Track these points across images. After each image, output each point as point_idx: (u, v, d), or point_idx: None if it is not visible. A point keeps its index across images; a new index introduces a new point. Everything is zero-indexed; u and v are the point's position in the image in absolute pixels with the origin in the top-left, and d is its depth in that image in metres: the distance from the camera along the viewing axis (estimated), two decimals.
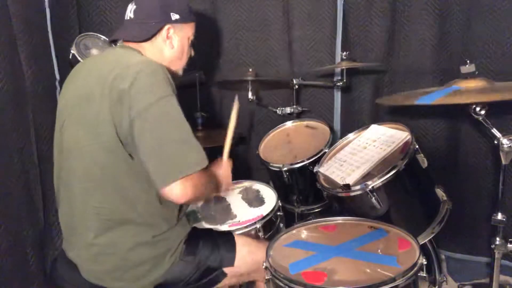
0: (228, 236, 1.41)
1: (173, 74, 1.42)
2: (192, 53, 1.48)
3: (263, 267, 1.22)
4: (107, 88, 1.16)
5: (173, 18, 1.34)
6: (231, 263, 1.35)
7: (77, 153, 1.22)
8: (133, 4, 1.35)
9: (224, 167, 1.48)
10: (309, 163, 1.81)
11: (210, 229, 1.48)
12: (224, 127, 2.38)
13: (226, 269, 1.35)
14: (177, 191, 1.14)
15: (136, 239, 1.23)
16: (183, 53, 1.42)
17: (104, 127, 1.17)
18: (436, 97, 1.32)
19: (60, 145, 1.28)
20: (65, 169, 1.26)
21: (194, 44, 1.46)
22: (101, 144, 1.18)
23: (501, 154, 1.34)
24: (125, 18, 1.36)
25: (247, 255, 1.37)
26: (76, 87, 1.27)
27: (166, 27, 1.34)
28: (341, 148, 1.77)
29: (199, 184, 1.18)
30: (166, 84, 1.19)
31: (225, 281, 1.37)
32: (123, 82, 1.15)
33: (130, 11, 1.35)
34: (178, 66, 1.44)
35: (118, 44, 1.39)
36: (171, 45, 1.37)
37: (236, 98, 1.59)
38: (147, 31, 1.33)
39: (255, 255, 1.37)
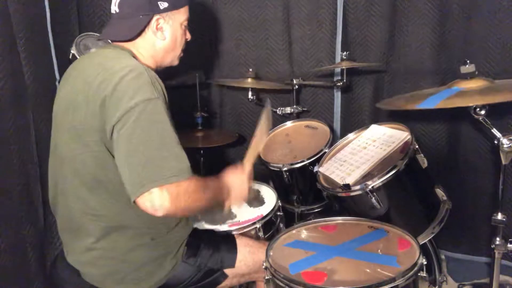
0: (229, 237, 1.41)
1: (168, 65, 1.39)
2: (189, 37, 1.41)
3: (263, 267, 1.22)
4: (91, 95, 1.12)
5: (161, 7, 1.26)
6: (232, 264, 1.34)
7: (69, 161, 1.19)
8: None
9: (239, 175, 1.33)
10: (309, 163, 1.80)
11: (211, 230, 1.48)
12: (224, 127, 2.42)
13: (227, 271, 1.34)
14: (152, 202, 1.03)
15: (135, 241, 1.22)
16: (176, 42, 1.35)
17: (91, 136, 1.13)
18: (437, 100, 1.32)
19: (54, 152, 1.26)
20: (60, 176, 1.25)
21: (190, 22, 1.38)
22: (91, 153, 1.15)
23: (501, 154, 1.34)
24: (111, 12, 1.29)
25: (248, 256, 1.37)
26: (65, 92, 1.24)
27: (155, 18, 1.27)
28: (341, 148, 1.77)
29: (183, 196, 1.07)
30: (150, 88, 1.12)
31: (226, 282, 1.36)
32: (106, 88, 1.10)
33: (114, 4, 1.26)
34: (173, 57, 1.38)
35: (110, 42, 1.34)
36: (163, 37, 1.30)
37: (268, 101, 1.49)
38: (135, 27, 1.26)
39: (256, 256, 1.36)
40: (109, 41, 1.37)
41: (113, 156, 1.12)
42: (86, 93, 1.14)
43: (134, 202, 1.06)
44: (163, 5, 1.26)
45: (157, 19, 1.28)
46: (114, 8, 1.28)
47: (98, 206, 1.19)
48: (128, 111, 1.07)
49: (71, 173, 1.20)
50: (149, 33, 1.29)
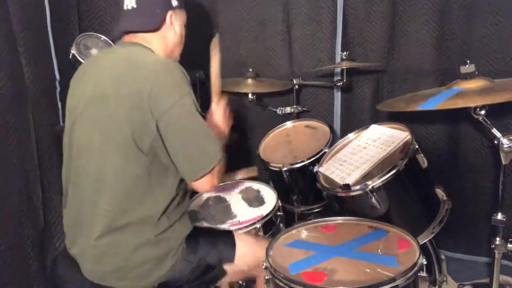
0: (228, 233, 1.41)
1: (173, 60, 1.41)
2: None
3: (263, 267, 1.23)
4: (124, 90, 1.17)
5: (173, 4, 1.35)
6: (231, 259, 1.35)
7: (88, 153, 1.22)
8: None
9: (216, 112, 1.48)
10: (309, 163, 1.80)
11: (210, 227, 1.49)
12: None
13: (226, 266, 1.35)
14: (207, 184, 1.24)
15: (139, 239, 1.23)
16: (182, 38, 1.43)
17: (119, 129, 1.17)
18: (438, 101, 1.32)
19: (69, 145, 1.27)
20: (74, 168, 1.26)
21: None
22: (114, 145, 1.18)
23: (501, 154, 1.34)
24: (124, 8, 1.33)
25: (247, 251, 1.37)
26: (88, 86, 1.26)
27: (169, 13, 1.34)
28: (341, 148, 1.77)
29: (221, 167, 1.27)
30: (183, 82, 1.22)
31: (226, 278, 1.37)
32: (142, 85, 1.16)
33: (130, 1, 1.31)
34: (179, 51, 1.45)
35: (124, 40, 1.36)
36: (175, 32, 1.38)
37: (217, 35, 1.57)
38: (154, 20, 1.33)
39: (255, 251, 1.37)
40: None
41: (141, 150, 1.18)
42: (117, 88, 1.19)
43: (191, 185, 1.27)
44: (175, 2, 1.36)
45: (171, 15, 1.35)
46: (131, 5, 1.31)
47: (110, 201, 1.21)
48: (169, 110, 1.16)
49: (89, 165, 1.22)
50: (163, 27, 1.35)
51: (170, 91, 1.19)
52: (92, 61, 1.38)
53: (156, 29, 1.34)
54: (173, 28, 1.37)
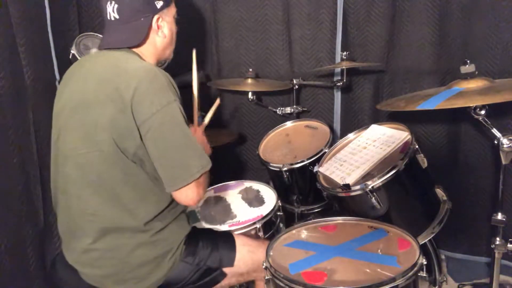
0: (228, 236, 1.41)
1: (165, 60, 1.43)
2: (176, 28, 1.42)
3: (263, 267, 1.23)
4: (107, 96, 1.15)
5: (158, 6, 1.29)
6: (230, 263, 1.34)
7: (74, 159, 1.21)
8: (113, 2, 1.25)
9: (197, 134, 1.50)
10: (309, 163, 1.81)
11: (210, 229, 1.48)
12: (224, 127, 2.42)
13: (226, 269, 1.35)
14: (187, 196, 1.19)
15: (134, 241, 1.23)
16: (173, 36, 1.39)
17: (102, 135, 1.16)
18: (438, 101, 1.32)
19: (56, 151, 1.27)
20: (61, 174, 1.25)
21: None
22: (99, 152, 1.17)
23: (501, 154, 1.34)
24: (108, 19, 1.28)
25: (247, 255, 1.37)
26: (73, 91, 1.25)
27: (155, 18, 1.29)
28: (341, 148, 1.77)
29: (205, 181, 1.23)
30: (168, 90, 1.18)
31: (225, 281, 1.37)
32: (125, 91, 1.14)
33: (113, 11, 1.26)
34: (170, 51, 1.41)
35: None
36: (163, 35, 1.33)
37: (194, 52, 1.51)
38: (139, 31, 1.28)
39: (255, 255, 1.37)
40: None
41: (126, 156, 1.17)
42: (101, 94, 1.17)
43: (172, 195, 1.23)
44: (159, 3, 1.29)
45: (157, 19, 1.30)
46: (113, 15, 1.27)
47: (97, 206, 1.20)
48: (150, 117, 1.14)
49: (75, 171, 1.21)
50: (151, 34, 1.31)
51: (152, 98, 1.15)
52: (78, 64, 1.34)
53: (141, 43, 1.29)
54: (161, 31, 1.32)
